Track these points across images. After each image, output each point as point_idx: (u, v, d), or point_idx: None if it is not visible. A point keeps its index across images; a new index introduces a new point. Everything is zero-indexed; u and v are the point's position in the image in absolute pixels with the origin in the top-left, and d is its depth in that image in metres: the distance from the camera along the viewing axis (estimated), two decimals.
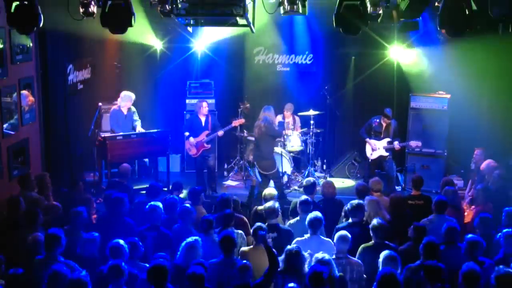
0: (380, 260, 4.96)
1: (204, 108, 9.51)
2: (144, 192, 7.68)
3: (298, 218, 6.32)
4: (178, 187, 7.26)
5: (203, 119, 9.54)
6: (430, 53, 10.05)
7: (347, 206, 6.19)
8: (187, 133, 9.50)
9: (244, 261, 5.01)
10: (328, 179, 9.87)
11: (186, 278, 4.61)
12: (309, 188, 6.97)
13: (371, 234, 5.63)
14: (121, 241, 5.12)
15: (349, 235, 5.32)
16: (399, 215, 6.39)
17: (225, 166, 11.02)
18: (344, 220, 6.38)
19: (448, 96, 9.87)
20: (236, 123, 9.64)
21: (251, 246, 5.57)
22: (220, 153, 10.59)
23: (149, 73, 10.91)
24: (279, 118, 10.72)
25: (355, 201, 6.22)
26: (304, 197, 6.45)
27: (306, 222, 5.74)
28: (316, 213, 5.76)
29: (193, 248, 5.14)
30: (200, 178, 9.58)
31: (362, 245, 5.53)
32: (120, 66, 10.80)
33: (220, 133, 9.40)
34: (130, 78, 10.71)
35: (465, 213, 7.01)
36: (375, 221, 5.63)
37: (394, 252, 5.06)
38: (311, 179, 7.18)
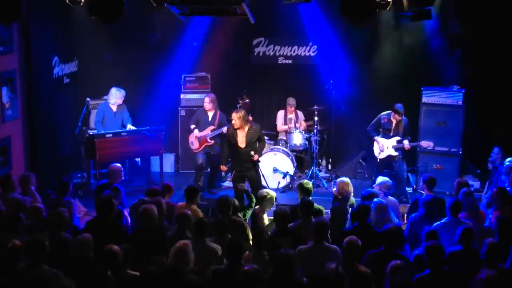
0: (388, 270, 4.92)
1: (205, 103, 9.54)
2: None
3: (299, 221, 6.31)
4: (168, 189, 7.22)
5: (210, 114, 9.59)
6: (443, 44, 10.00)
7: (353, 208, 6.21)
8: (193, 126, 9.50)
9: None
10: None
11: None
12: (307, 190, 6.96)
13: (380, 241, 5.60)
14: (114, 246, 5.10)
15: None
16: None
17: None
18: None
19: (463, 90, 9.82)
20: None
21: (250, 252, 5.56)
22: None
23: (141, 66, 10.87)
24: (281, 113, 10.71)
25: (361, 203, 6.22)
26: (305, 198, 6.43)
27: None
28: (321, 218, 5.74)
29: (182, 253, 5.09)
30: (199, 178, 9.58)
31: (371, 253, 5.48)
32: (110, 58, 10.76)
33: (225, 129, 9.39)
34: (120, 72, 10.68)
35: (483, 217, 6.95)
36: (385, 227, 5.61)
37: (401, 261, 5.00)
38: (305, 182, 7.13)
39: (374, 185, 7.39)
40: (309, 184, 7.02)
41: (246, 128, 8.16)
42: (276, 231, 6.05)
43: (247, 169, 8.22)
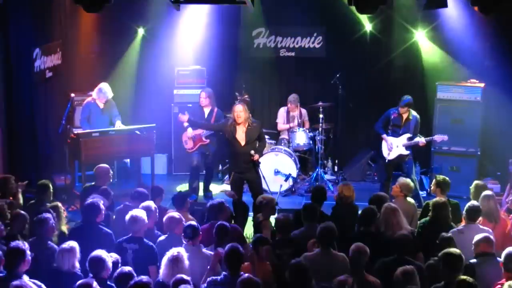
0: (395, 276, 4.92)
1: (201, 98, 9.53)
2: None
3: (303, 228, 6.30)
4: (158, 193, 7.22)
5: (206, 110, 9.55)
6: (461, 36, 9.99)
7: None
8: (186, 123, 9.51)
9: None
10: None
11: None
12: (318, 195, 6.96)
13: (389, 248, 5.61)
14: (104, 254, 5.10)
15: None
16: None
17: (220, 167, 10.99)
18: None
19: (482, 85, 9.82)
20: None
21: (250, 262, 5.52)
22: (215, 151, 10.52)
23: (131, 59, 10.85)
24: (282, 111, 10.70)
25: (367, 207, 6.25)
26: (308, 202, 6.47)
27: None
28: (328, 223, 5.72)
29: (177, 262, 5.08)
30: (194, 180, 9.57)
31: (382, 260, 5.48)
32: (97, 50, 10.73)
33: None
34: (108, 65, 10.67)
35: (504, 223, 6.93)
36: (397, 233, 5.60)
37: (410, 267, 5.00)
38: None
39: (393, 186, 7.38)
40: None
41: (246, 124, 8.09)
42: (277, 241, 6.04)
43: (246, 170, 8.18)
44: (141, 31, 10.98)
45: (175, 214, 6.28)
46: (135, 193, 6.99)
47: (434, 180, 7.41)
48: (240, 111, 8.03)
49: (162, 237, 6.11)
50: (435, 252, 5.54)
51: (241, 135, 8.05)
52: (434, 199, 6.72)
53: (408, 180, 7.34)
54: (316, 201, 6.91)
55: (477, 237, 5.65)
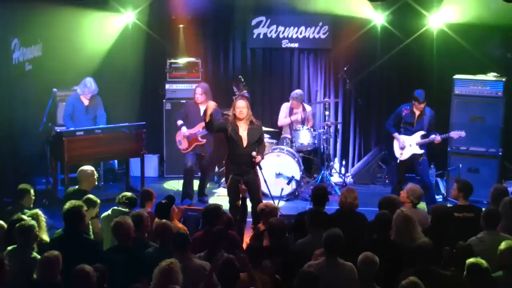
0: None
1: (196, 95, 9.55)
2: None
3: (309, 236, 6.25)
4: (148, 197, 7.18)
5: (202, 107, 9.46)
6: (480, 25, 9.97)
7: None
8: (180, 122, 9.44)
9: None
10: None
11: None
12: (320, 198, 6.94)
13: (404, 258, 5.60)
14: (87, 267, 5.08)
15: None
16: (443, 233, 6.30)
17: (216, 169, 10.98)
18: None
19: (504, 79, 9.81)
20: None
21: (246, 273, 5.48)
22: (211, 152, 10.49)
23: (119, 50, 10.85)
24: (284, 107, 10.67)
25: (381, 212, 6.23)
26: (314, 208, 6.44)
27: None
28: (335, 230, 5.69)
29: (170, 273, 5.05)
30: (188, 183, 9.55)
31: (404, 271, 5.44)
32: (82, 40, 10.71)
33: None
34: (94, 57, 10.64)
35: None
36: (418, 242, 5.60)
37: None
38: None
39: (401, 192, 7.35)
40: None
41: (248, 123, 8.01)
42: (267, 248, 6.01)
43: (246, 172, 8.17)
44: (131, 21, 10.92)
45: (166, 220, 6.26)
46: (123, 198, 6.95)
47: (455, 184, 7.35)
48: (243, 106, 7.94)
49: (152, 247, 6.07)
50: (451, 263, 5.55)
51: (243, 135, 8.00)
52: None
53: (417, 186, 7.27)
54: (317, 203, 6.88)
55: (503, 246, 5.59)
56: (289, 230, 6.58)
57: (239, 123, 7.93)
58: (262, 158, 8.17)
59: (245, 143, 7.94)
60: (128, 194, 7.07)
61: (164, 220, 6.24)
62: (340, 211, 6.94)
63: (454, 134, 9.20)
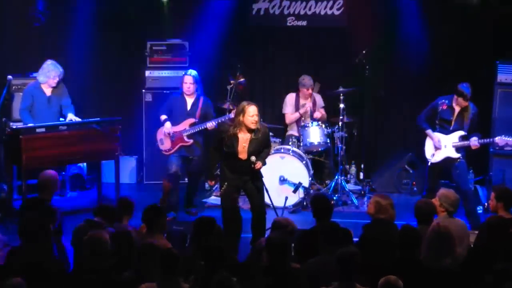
0: None
1: (186, 84, 9.53)
2: None
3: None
4: (126, 207, 7.11)
5: (190, 101, 9.55)
6: None
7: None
8: (164, 117, 9.48)
9: None
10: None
11: None
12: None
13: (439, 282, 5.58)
14: None
15: None
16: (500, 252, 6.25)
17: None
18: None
19: None
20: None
21: None
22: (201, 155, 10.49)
23: (86, 30, 10.84)
24: (290, 98, 10.61)
25: (405, 226, 6.22)
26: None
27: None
28: (348, 248, 5.71)
29: None
30: (171, 191, 9.48)
31: None
32: (41, 19, 10.69)
33: (210, 125, 9.34)
34: (56, 38, 10.62)
35: None
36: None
37: None
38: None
39: (433, 200, 7.29)
40: None
41: (251, 133, 7.93)
42: (266, 267, 5.99)
43: (244, 182, 8.15)
44: None
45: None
46: (99, 207, 6.97)
47: (493, 193, 7.34)
48: (256, 114, 7.87)
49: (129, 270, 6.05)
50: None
51: (242, 147, 7.96)
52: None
53: (451, 190, 7.28)
54: (320, 216, 6.90)
55: None
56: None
57: (240, 134, 7.88)
58: (264, 164, 8.10)
59: (244, 156, 7.95)
60: (105, 202, 7.11)
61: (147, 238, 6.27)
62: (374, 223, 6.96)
63: (500, 140, 9.16)
